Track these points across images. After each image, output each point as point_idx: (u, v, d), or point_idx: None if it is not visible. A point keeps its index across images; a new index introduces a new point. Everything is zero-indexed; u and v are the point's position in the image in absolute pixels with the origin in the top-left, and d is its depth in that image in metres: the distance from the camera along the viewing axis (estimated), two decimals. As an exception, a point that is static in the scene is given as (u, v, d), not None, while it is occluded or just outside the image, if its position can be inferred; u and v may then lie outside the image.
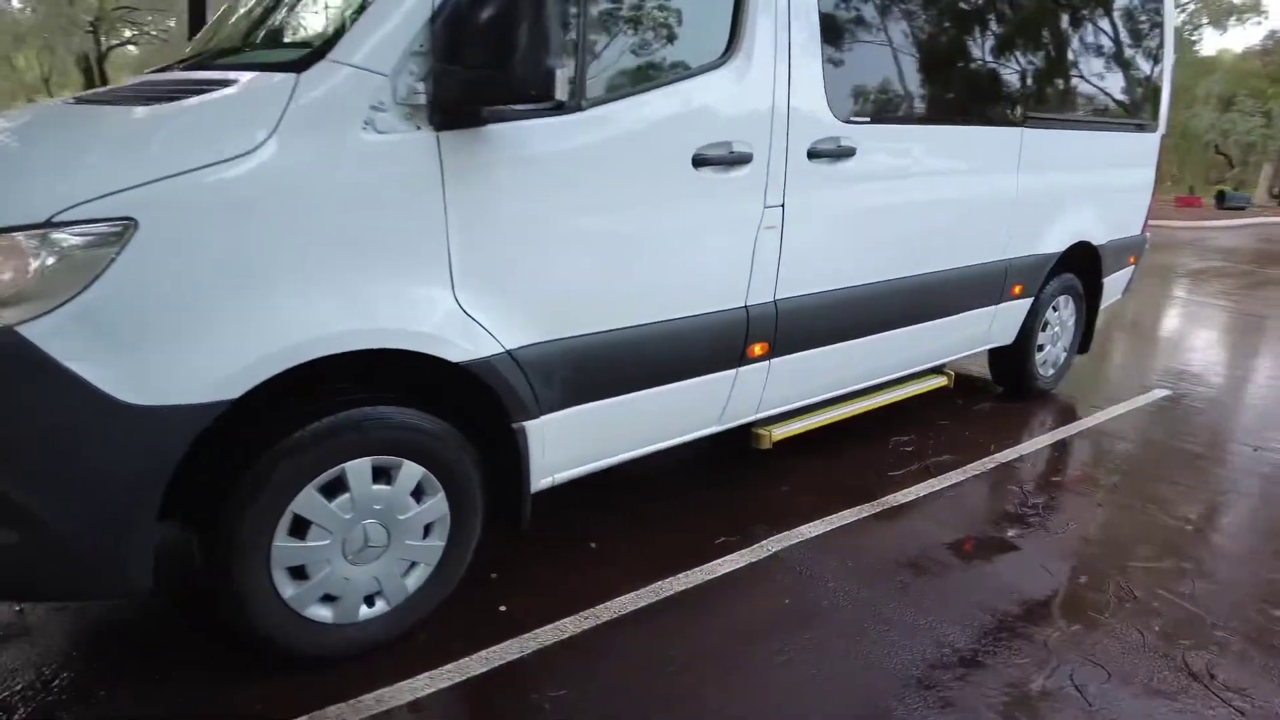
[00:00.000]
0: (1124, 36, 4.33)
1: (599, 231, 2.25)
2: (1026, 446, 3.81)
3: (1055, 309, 4.36)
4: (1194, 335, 6.97)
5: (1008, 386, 4.47)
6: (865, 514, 3.05)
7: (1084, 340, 4.73)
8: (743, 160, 2.50)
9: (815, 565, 2.69)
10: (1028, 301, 4.05)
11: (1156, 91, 4.62)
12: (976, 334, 3.84)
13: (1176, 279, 9.96)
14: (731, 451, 3.25)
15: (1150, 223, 4.91)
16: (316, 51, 1.84)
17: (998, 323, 3.92)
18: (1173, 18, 4.60)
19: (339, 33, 1.86)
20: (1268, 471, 3.70)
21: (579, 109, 2.13)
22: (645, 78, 2.32)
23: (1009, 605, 2.49)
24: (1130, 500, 3.32)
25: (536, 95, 1.82)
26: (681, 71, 2.40)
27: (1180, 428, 4.28)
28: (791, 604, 2.46)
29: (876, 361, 3.38)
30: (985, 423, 4.15)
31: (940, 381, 3.84)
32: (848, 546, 2.83)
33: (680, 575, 2.57)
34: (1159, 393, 4.77)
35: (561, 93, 1.85)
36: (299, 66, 1.81)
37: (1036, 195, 3.81)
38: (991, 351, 4.34)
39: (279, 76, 1.81)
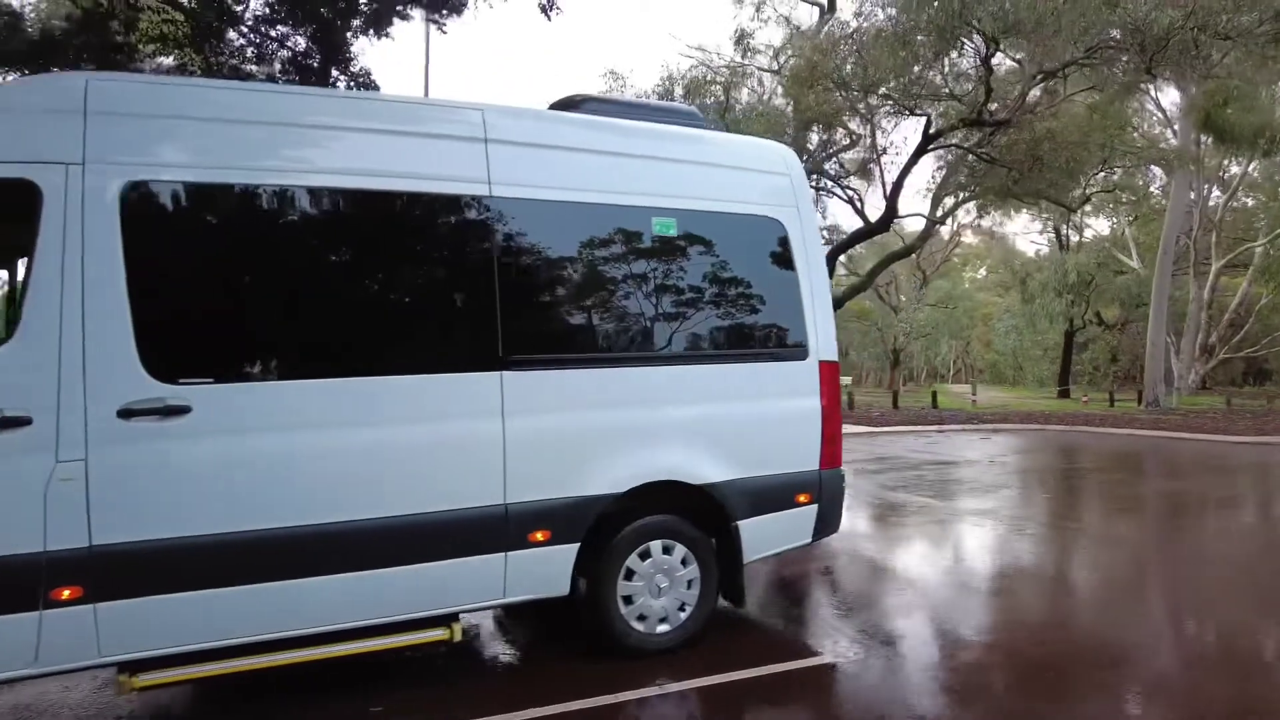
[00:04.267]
0: (705, 265, 4.23)
1: None
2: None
3: (647, 555, 3.97)
4: (1016, 580, 5.67)
5: (598, 642, 3.99)
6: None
7: (731, 590, 4.18)
8: (18, 423, 2.87)
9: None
10: (570, 547, 3.76)
11: (798, 317, 4.37)
12: (478, 583, 3.60)
13: (1157, 509, 8.19)
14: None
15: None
16: None
17: (521, 571, 3.66)
18: (808, 241, 4.44)
19: None
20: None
21: None
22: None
23: None
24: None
25: None
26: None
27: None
28: None
29: (308, 608, 3.31)
30: (504, 686, 3.74)
31: (437, 634, 3.58)
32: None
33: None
34: (822, 659, 3.99)
35: None
36: None
37: (551, 437, 3.71)
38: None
39: None
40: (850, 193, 18.10)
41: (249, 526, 3.19)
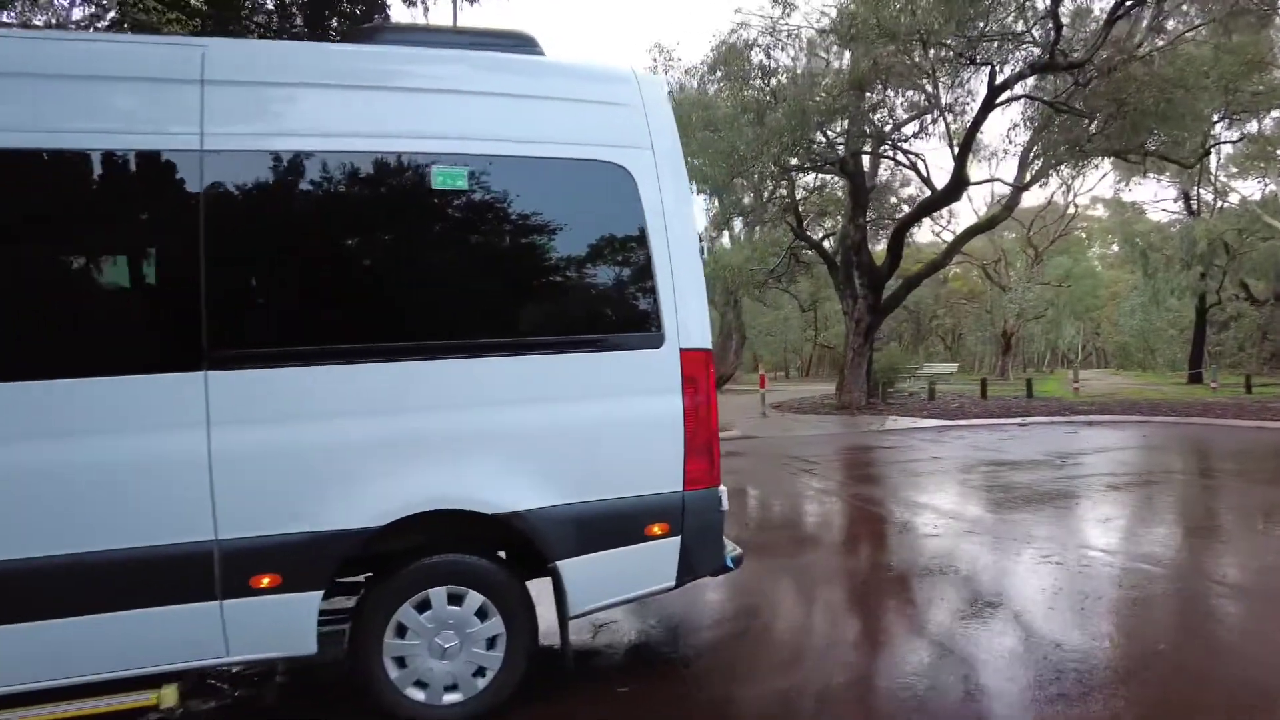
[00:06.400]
0: (509, 227, 3.27)
1: None
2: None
3: (425, 607, 3.08)
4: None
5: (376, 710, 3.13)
6: None
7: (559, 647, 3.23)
8: None
9: None
10: (310, 595, 2.93)
11: (648, 294, 3.35)
12: (186, 637, 2.83)
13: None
14: None
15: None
16: None
17: (245, 624, 2.87)
18: (667, 193, 3.36)
19: None
20: None
21: None
22: None
23: None
24: None
25: None
26: None
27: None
28: None
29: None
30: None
31: (144, 699, 2.85)
32: None
33: None
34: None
35: None
36: None
37: (277, 454, 2.89)
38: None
39: None
40: (913, 158, 16.25)
41: None
